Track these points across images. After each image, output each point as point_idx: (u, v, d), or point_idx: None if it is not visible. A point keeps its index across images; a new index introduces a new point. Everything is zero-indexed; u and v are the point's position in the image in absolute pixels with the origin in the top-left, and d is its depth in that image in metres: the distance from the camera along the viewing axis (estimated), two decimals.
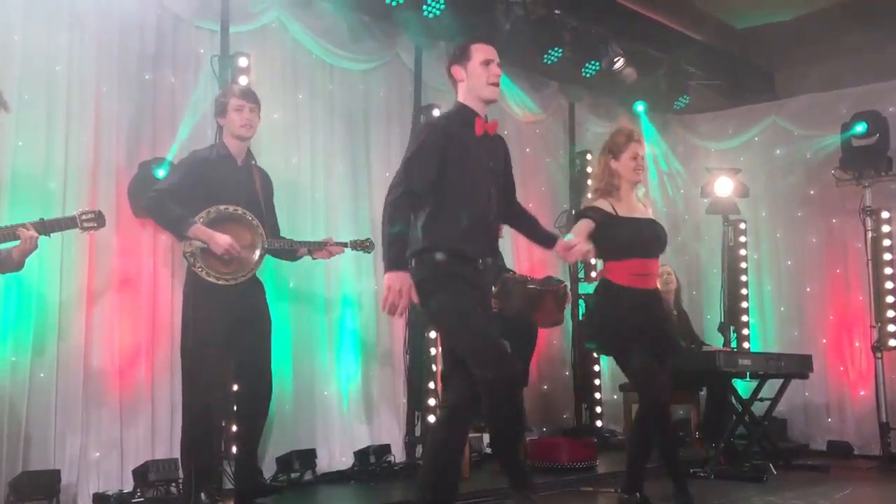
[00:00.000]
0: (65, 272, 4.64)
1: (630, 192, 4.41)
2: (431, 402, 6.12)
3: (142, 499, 4.55)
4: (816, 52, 7.43)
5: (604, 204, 4.34)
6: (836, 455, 7.12)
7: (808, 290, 7.87)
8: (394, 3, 5.69)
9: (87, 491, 4.59)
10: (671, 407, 4.48)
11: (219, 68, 5.28)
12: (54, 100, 4.71)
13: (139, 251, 4.99)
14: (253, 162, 4.57)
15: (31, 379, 4.46)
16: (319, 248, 4.60)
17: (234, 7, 5.44)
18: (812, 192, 7.89)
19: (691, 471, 5.72)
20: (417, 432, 6.16)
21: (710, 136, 8.63)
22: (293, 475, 5.18)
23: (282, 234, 4.73)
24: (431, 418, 6.12)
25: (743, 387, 6.46)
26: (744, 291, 7.84)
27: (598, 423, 7.47)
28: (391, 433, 6.07)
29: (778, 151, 8.10)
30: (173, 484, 4.60)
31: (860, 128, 7.00)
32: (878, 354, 6.92)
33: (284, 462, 5.20)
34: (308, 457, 5.30)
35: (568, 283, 7.50)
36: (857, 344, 7.49)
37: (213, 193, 4.27)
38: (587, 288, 7.53)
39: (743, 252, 7.87)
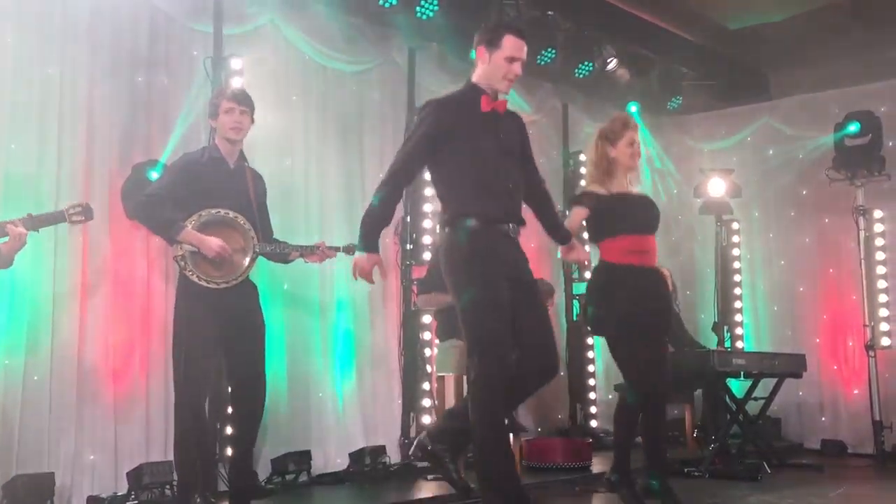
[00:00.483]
0: (58, 274, 4.63)
1: (624, 177, 4.43)
2: (426, 402, 6.13)
3: (136, 501, 4.55)
4: (809, 52, 7.46)
5: (595, 187, 4.37)
6: (830, 454, 7.14)
7: (801, 289, 7.90)
8: (387, 5, 5.70)
9: (82, 493, 4.58)
10: (665, 400, 4.49)
11: (212, 70, 5.27)
12: (47, 102, 4.71)
13: (133, 253, 4.98)
14: (245, 164, 4.56)
15: (24, 381, 4.45)
16: (311, 253, 4.58)
17: (227, 9, 5.44)
18: (805, 192, 7.92)
19: (686, 470, 5.74)
20: (412, 433, 6.16)
21: (703, 137, 8.65)
22: (288, 477, 5.18)
23: (275, 237, 4.72)
24: (426, 419, 6.13)
25: (737, 386, 6.48)
26: (737, 291, 7.88)
27: (593, 424, 7.48)
28: (386, 434, 6.07)
29: (771, 152, 8.12)
30: (168, 486, 4.59)
31: (853, 128, 7.03)
32: (871, 353, 6.95)
33: (279, 464, 5.19)
34: (303, 458, 5.29)
35: (562, 283, 7.56)
36: (850, 343, 7.51)
37: (204, 196, 4.25)
38: (580, 288, 7.55)
39: (736, 252, 7.91)
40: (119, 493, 4.61)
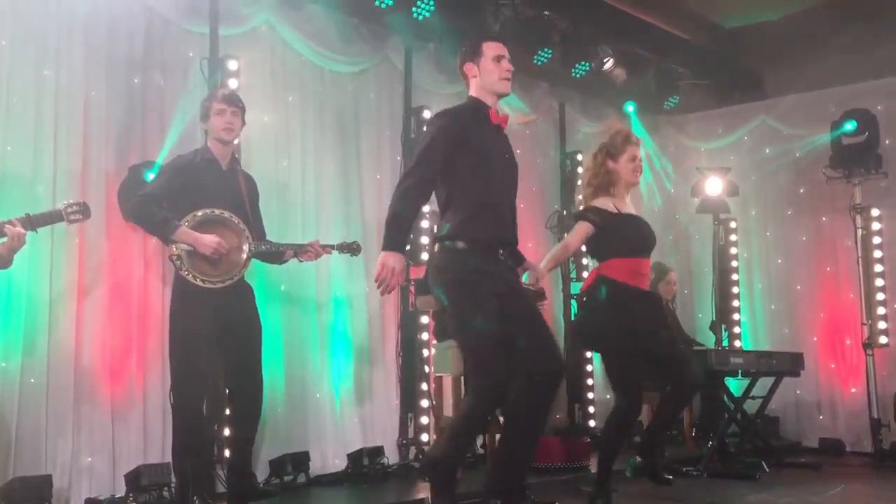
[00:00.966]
0: (54, 276, 4.62)
1: (626, 194, 4.44)
2: (424, 403, 6.13)
3: (134, 503, 4.53)
4: (805, 51, 7.46)
5: (605, 202, 4.35)
6: (828, 452, 7.14)
7: (798, 288, 7.90)
8: (383, 6, 5.69)
9: (80, 496, 4.57)
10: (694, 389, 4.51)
11: (208, 71, 5.26)
12: (43, 104, 4.70)
13: (129, 254, 4.97)
14: (238, 166, 4.56)
15: (21, 383, 4.44)
16: (305, 251, 4.59)
17: (223, 10, 5.43)
18: (802, 191, 7.92)
19: (684, 469, 5.74)
20: (410, 434, 6.16)
21: (699, 136, 8.66)
22: (286, 478, 5.18)
23: (272, 237, 4.72)
24: (424, 420, 6.13)
25: (735, 385, 6.49)
26: (735, 290, 7.88)
27: (591, 423, 7.47)
28: (384, 435, 6.06)
29: (768, 150, 8.13)
30: (166, 488, 4.58)
31: (850, 126, 7.04)
32: (869, 351, 6.96)
33: (277, 465, 5.19)
34: (301, 459, 5.29)
35: (560, 283, 7.56)
36: (847, 341, 7.51)
37: (197, 197, 4.26)
38: (578, 288, 7.54)
39: (733, 251, 7.91)
40: (117, 496, 4.60)
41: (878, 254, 7.08)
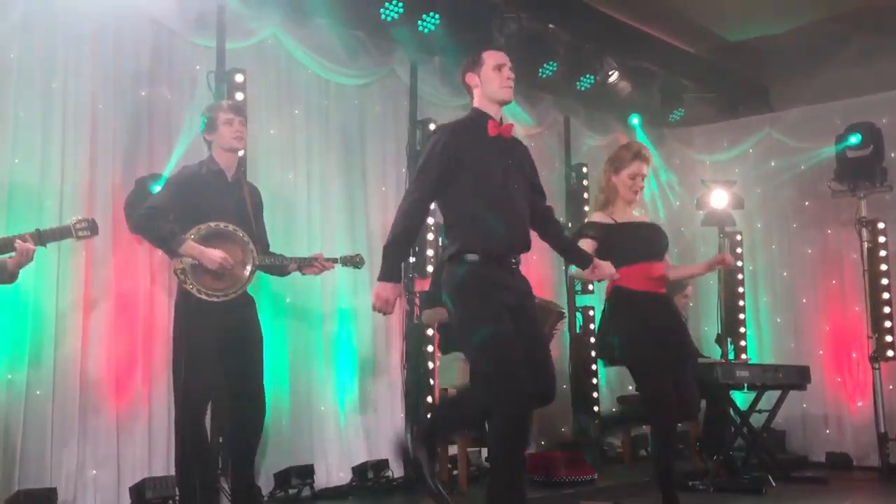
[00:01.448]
0: (61, 288, 4.63)
1: (627, 205, 4.43)
2: (429, 416, 6.10)
3: None
4: (810, 64, 7.47)
5: (600, 217, 4.36)
6: (834, 466, 7.10)
7: (804, 301, 7.88)
8: (389, 19, 5.71)
9: None
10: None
11: (214, 84, 5.29)
12: (50, 117, 4.72)
13: (135, 266, 4.98)
14: (243, 177, 4.57)
15: (26, 396, 4.44)
16: (309, 264, 4.59)
17: (229, 23, 5.46)
18: (807, 204, 7.91)
19: (690, 483, 5.71)
20: None
21: (704, 149, 8.65)
22: (291, 491, 5.16)
23: (277, 250, 4.72)
24: None
25: (741, 399, 6.46)
26: (740, 303, 7.85)
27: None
28: (389, 448, 6.04)
29: (773, 163, 8.13)
30: (170, 501, 4.58)
31: (854, 139, 7.03)
32: (876, 365, 6.93)
33: (282, 478, 5.18)
34: (305, 472, 5.28)
35: (565, 296, 7.55)
36: (854, 355, 7.48)
37: (204, 209, 4.26)
38: (583, 300, 7.54)
39: (739, 264, 7.89)
40: None
41: (884, 267, 7.05)
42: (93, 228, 3.87)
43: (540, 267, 7.07)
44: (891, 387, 7.03)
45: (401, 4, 5.62)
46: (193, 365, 4.16)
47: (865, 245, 7.07)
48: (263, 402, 4.37)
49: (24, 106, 4.63)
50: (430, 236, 6.31)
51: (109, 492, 4.70)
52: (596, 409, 7.48)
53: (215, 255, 4.15)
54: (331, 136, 6.11)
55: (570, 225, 7.51)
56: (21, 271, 3.74)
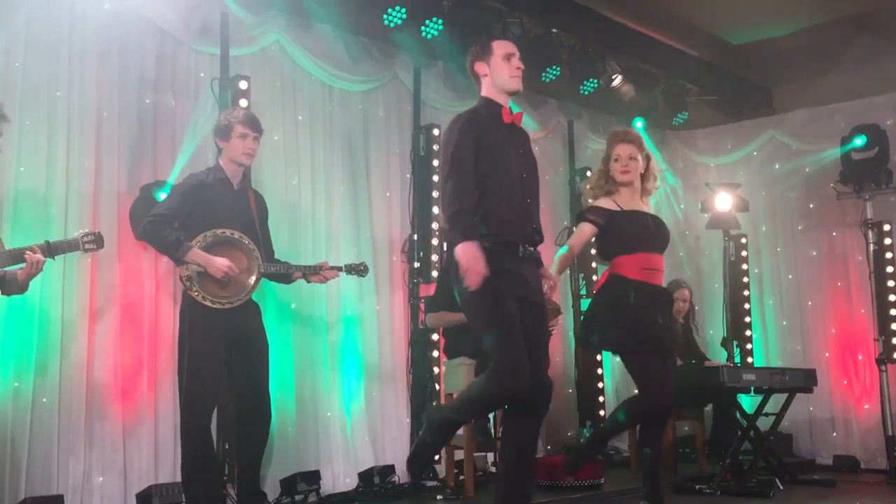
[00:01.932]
0: (67, 296, 4.64)
1: (634, 192, 4.43)
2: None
3: None
4: (814, 66, 7.46)
5: (605, 202, 4.36)
6: (842, 469, 7.07)
7: (809, 303, 7.86)
8: (392, 25, 5.72)
9: None
10: (670, 417, 4.49)
11: (219, 91, 5.30)
12: (55, 125, 4.74)
13: (141, 274, 4.99)
14: (248, 185, 4.59)
15: (33, 403, 4.45)
16: (314, 273, 4.60)
17: (233, 30, 5.47)
18: (812, 206, 7.90)
19: (697, 487, 5.70)
20: None
21: (708, 152, 8.65)
22: (297, 497, 5.15)
23: (282, 256, 4.73)
24: None
25: (747, 402, 6.44)
26: (746, 306, 7.84)
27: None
28: (395, 454, 6.04)
29: (777, 166, 8.12)
30: None
31: (859, 141, 7.02)
32: (883, 367, 6.90)
33: (288, 484, 5.17)
34: (312, 478, 5.27)
35: (570, 300, 7.55)
36: (860, 357, 7.46)
37: (209, 217, 4.28)
38: (588, 303, 7.52)
39: (744, 266, 7.88)
40: None
41: (890, 269, 7.02)
42: (98, 242, 3.90)
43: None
44: None
45: (404, 10, 5.63)
46: (199, 372, 4.18)
47: (871, 247, 7.05)
48: (269, 408, 4.39)
49: (29, 114, 4.64)
50: (435, 241, 6.31)
51: (116, 499, 4.70)
52: (602, 413, 7.47)
53: (221, 263, 4.16)
54: (335, 141, 6.12)
55: (573, 229, 7.50)
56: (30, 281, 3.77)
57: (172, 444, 4.90)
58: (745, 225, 7.71)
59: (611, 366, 7.68)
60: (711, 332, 8.12)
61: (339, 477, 5.63)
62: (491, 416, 5.38)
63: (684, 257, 8.37)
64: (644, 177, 4.52)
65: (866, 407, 7.37)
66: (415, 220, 6.37)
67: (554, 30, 6.57)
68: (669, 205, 8.28)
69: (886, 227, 7.06)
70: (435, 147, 6.47)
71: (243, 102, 5.24)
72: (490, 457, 6.09)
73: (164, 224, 4.22)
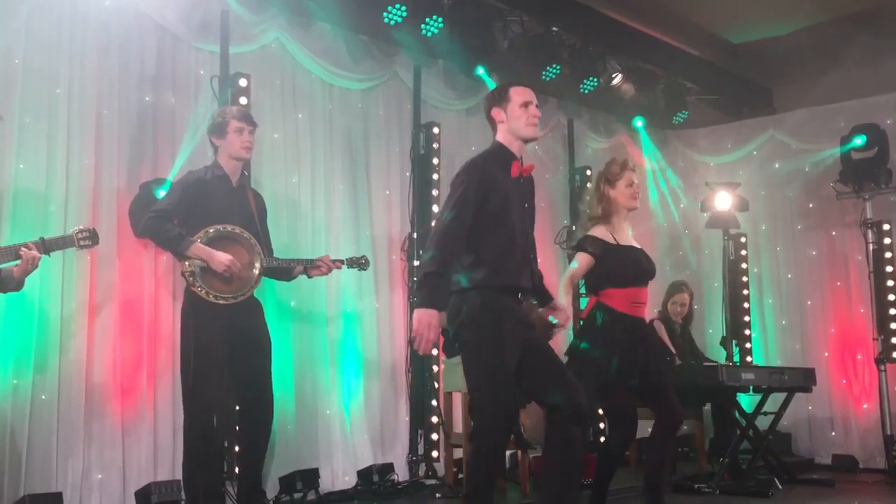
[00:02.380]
0: (66, 293, 4.64)
1: (623, 221, 4.51)
2: (434, 419, 6.11)
3: None
4: (814, 66, 7.46)
5: (601, 232, 4.43)
6: (841, 469, 7.08)
7: (809, 303, 7.87)
8: (392, 23, 5.71)
9: None
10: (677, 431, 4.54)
11: (219, 89, 5.30)
12: (55, 123, 4.73)
13: (140, 271, 4.99)
14: (247, 182, 4.59)
15: (32, 400, 4.45)
16: (316, 266, 4.61)
17: (233, 28, 5.47)
18: (811, 206, 7.91)
19: (696, 486, 5.70)
20: (420, 450, 6.14)
21: (708, 151, 8.65)
22: (296, 495, 5.16)
23: (282, 254, 4.74)
24: (434, 436, 6.11)
25: (746, 401, 6.45)
26: (745, 305, 7.84)
27: (602, 439, 7.42)
28: (394, 452, 6.05)
29: (777, 165, 8.12)
30: None
31: (859, 140, 7.03)
32: (882, 367, 6.91)
33: (287, 482, 5.18)
34: (311, 477, 5.27)
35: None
36: (859, 357, 7.47)
37: (209, 213, 4.29)
38: (585, 304, 7.52)
39: (744, 266, 7.88)
40: None
41: (889, 268, 7.03)
42: (93, 238, 3.91)
43: (544, 271, 7.05)
44: None
45: (404, 8, 5.62)
46: (202, 369, 4.18)
47: (871, 246, 7.06)
48: (272, 405, 4.39)
49: (28, 112, 4.64)
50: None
51: (115, 496, 4.70)
52: (600, 411, 7.46)
53: (223, 257, 4.18)
54: (335, 139, 6.12)
55: (573, 228, 7.51)
56: (26, 278, 3.77)
57: (171, 441, 4.91)
58: (745, 224, 7.71)
59: None
60: (711, 331, 8.13)
61: (339, 475, 5.64)
62: None
63: (684, 257, 8.37)
64: None
65: (865, 406, 7.38)
66: (414, 218, 6.37)
67: (554, 28, 6.57)
68: (671, 203, 8.28)
69: (886, 227, 7.07)
70: (435, 145, 6.47)
71: (243, 100, 5.24)
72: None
73: (165, 220, 4.23)
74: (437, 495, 5.36)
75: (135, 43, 5.13)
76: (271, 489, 5.15)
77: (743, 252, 7.88)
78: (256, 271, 4.33)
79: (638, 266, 4.42)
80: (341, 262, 4.74)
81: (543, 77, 6.60)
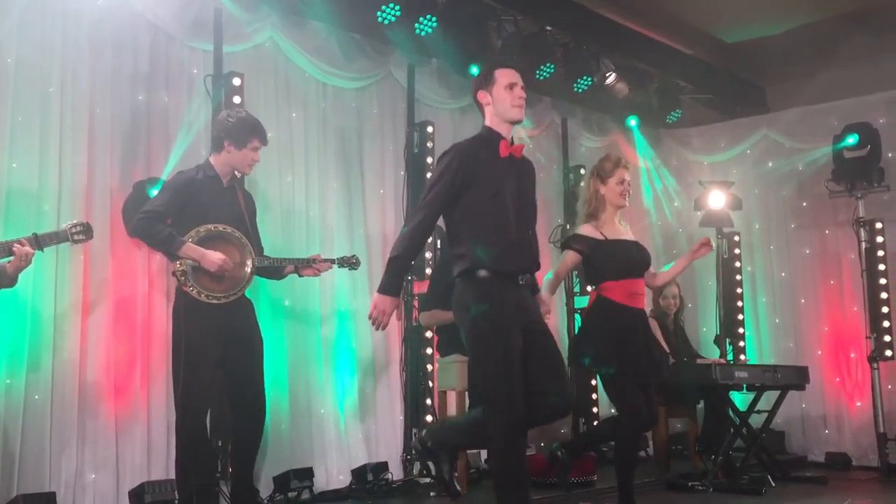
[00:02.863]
0: (59, 293, 4.63)
1: (614, 216, 4.58)
2: (429, 418, 6.11)
3: None
4: (807, 65, 7.48)
5: (588, 230, 4.51)
6: (834, 467, 7.11)
7: (802, 301, 7.89)
8: (386, 22, 5.71)
9: None
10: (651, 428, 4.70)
11: (212, 88, 5.29)
12: (48, 121, 4.72)
13: (134, 270, 4.98)
14: (237, 183, 4.59)
15: (25, 400, 4.44)
16: (306, 266, 4.61)
17: (226, 27, 5.46)
18: (805, 205, 7.93)
19: (689, 484, 5.72)
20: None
21: (702, 150, 8.67)
22: (290, 494, 5.16)
23: (276, 253, 4.73)
24: None
25: (740, 399, 6.46)
26: (739, 304, 7.86)
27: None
28: (389, 451, 6.05)
29: (770, 164, 8.14)
30: None
31: (851, 140, 7.05)
32: (875, 365, 6.93)
33: (281, 481, 5.17)
34: (305, 475, 5.27)
35: (564, 297, 7.56)
36: (852, 355, 7.49)
37: (200, 213, 4.28)
38: (582, 302, 7.54)
39: (737, 264, 7.90)
40: None
41: (881, 267, 7.05)
42: (87, 232, 3.90)
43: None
44: (889, 387, 7.04)
45: (398, 7, 5.62)
46: (193, 368, 4.17)
47: (863, 245, 7.08)
48: (264, 405, 4.39)
49: (21, 110, 4.62)
50: (430, 238, 6.31)
51: (108, 496, 4.69)
52: (595, 410, 7.48)
53: (215, 256, 4.17)
54: (328, 138, 6.11)
55: (566, 227, 7.52)
56: (20, 275, 3.77)
57: (165, 441, 4.90)
58: (739, 223, 7.73)
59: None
60: (704, 329, 8.15)
61: (333, 474, 5.64)
62: None
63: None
64: None
65: (858, 404, 7.40)
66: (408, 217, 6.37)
67: (548, 27, 6.57)
68: (665, 202, 8.29)
69: (878, 226, 7.09)
70: (429, 144, 6.46)
71: (236, 99, 5.22)
72: (483, 454, 6.10)
73: (156, 220, 4.22)
74: (432, 494, 5.36)
75: (128, 41, 5.12)
76: (265, 488, 5.15)
77: (736, 251, 7.90)
78: (248, 270, 4.33)
79: (629, 257, 4.50)
80: (332, 261, 4.74)
81: (537, 76, 6.61)
